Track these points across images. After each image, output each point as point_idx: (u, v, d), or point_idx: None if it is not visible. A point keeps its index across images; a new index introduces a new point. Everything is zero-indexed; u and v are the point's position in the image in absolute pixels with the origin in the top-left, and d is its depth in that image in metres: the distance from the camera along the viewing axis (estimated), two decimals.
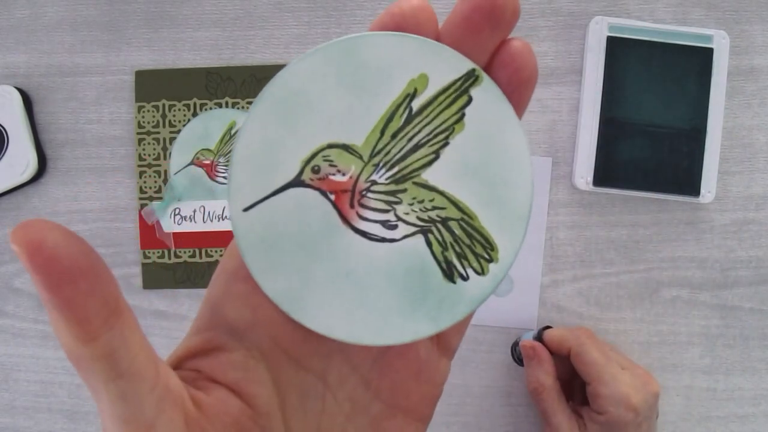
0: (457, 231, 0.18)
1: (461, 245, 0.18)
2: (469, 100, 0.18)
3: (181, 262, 0.53)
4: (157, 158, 0.53)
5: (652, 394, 0.45)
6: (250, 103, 0.52)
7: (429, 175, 0.18)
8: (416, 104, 0.18)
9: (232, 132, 0.53)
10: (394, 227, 0.18)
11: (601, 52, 0.50)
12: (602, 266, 0.52)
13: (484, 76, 0.18)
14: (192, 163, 0.53)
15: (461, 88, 0.18)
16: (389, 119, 0.18)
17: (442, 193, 0.18)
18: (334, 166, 0.18)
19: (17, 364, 0.54)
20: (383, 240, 0.18)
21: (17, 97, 0.51)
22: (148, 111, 0.53)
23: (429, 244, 0.18)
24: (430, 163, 0.18)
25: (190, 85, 0.53)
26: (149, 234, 0.53)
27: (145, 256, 0.53)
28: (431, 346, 0.21)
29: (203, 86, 0.52)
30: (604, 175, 0.50)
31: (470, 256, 0.18)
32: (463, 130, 0.18)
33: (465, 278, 0.18)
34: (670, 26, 0.50)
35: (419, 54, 0.18)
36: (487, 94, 0.18)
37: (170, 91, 0.53)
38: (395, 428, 0.20)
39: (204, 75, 0.52)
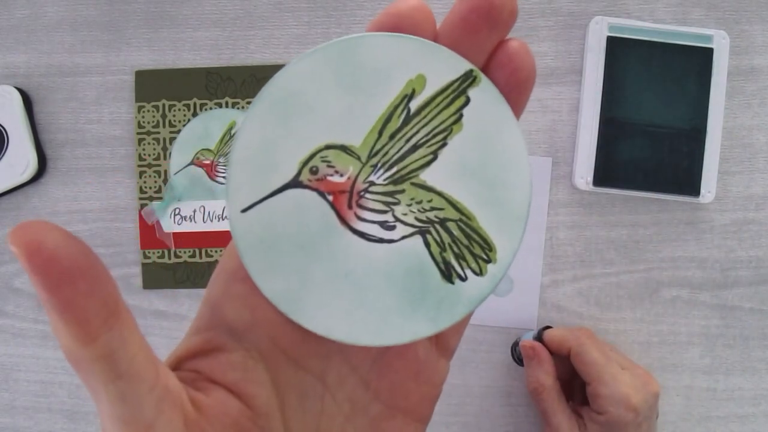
0: (456, 232, 0.18)
1: (459, 246, 0.18)
2: (467, 101, 0.18)
3: (181, 262, 0.53)
4: (157, 158, 0.53)
5: (652, 394, 0.45)
6: (250, 103, 0.52)
7: (427, 176, 0.18)
8: (414, 105, 0.18)
9: (232, 132, 0.53)
10: (393, 228, 0.18)
11: (601, 52, 0.50)
12: (602, 266, 0.52)
13: (482, 76, 0.18)
14: (192, 163, 0.53)
15: (459, 89, 0.18)
16: (387, 120, 0.18)
17: (440, 194, 0.18)
18: (332, 167, 0.18)
19: (17, 364, 0.54)
20: (381, 241, 0.18)
21: (17, 97, 0.51)
22: (148, 111, 0.53)
23: (427, 244, 0.18)
24: (428, 163, 0.18)
25: (190, 85, 0.53)
26: (149, 234, 0.53)
27: (145, 256, 0.53)
28: (430, 347, 0.21)
29: (203, 86, 0.52)
30: (604, 175, 0.50)
31: (468, 257, 0.18)
32: (461, 131, 0.18)
33: (463, 279, 0.18)
34: (670, 26, 0.50)
35: (417, 55, 0.18)
36: (485, 95, 0.18)
37: (170, 91, 0.53)
38: (394, 429, 0.20)
39: (204, 75, 0.52)
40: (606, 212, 0.52)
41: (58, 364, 0.53)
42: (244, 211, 0.18)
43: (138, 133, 0.53)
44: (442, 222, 0.18)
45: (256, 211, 0.18)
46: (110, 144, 0.53)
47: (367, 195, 0.18)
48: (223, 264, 0.19)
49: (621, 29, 0.50)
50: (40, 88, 0.53)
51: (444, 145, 0.18)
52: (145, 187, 0.53)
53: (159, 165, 0.53)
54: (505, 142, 0.18)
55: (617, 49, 0.50)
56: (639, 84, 0.50)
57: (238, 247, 0.18)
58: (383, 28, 0.18)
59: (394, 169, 0.18)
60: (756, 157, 0.51)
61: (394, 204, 0.18)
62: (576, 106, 0.51)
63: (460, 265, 0.18)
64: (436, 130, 0.18)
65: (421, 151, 0.18)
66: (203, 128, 0.53)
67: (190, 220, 0.53)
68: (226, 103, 0.52)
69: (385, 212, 0.18)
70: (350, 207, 0.18)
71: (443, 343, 0.21)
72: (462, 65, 0.18)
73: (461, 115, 0.18)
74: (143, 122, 0.53)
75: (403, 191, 0.18)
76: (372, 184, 0.18)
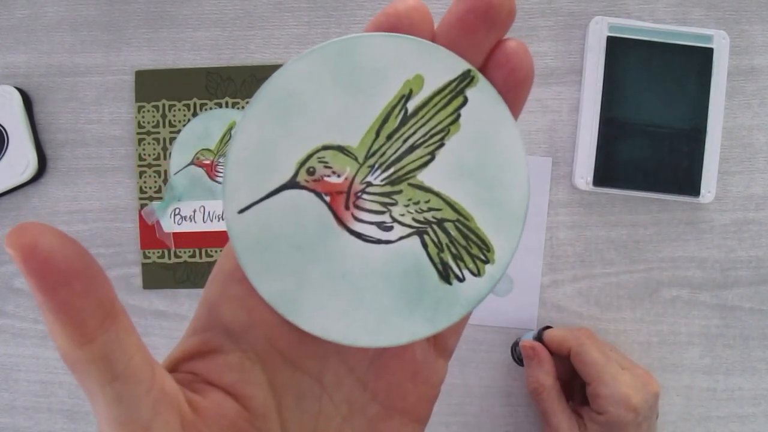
0: (453, 232, 0.18)
1: (457, 246, 0.18)
2: (465, 101, 0.18)
3: (181, 262, 0.53)
4: (157, 158, 0.53)
5: (652, 395, 0.45)
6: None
7: (424, 177, 0.18)
8: (412, 105, 0.18)
9: (232, 132, 0.53)
10: (390, 229, 0.18)
11: (601, 52, 0.50)
12: (602, 266, 0.52)
13: (480, 76, 0.18)
14: (192, 163, 0.53)
15: (457, 89, 0.18)
16: (384, 120, 0.18)
17: (437, 195, 0.18)
18: (330, 167, 0.18)
19: (17, 364, 0.54)
20: (379, 241, 0.18)
21: (17, 97, 0.51)
22: (148, 111, 0.53)
23: (425, 245, 0.18)
24: (425, 164, 0.18)
25: (190, 85, 0.53)
26: (149, 234, 0.53)
27: (145, 256, 0.53)
28: (428, 348, 0.21)
29: (203, 86, 0.52)
30: (604, 175, 0.50)
31: (466, 258, 0.18)
32: (458, 131, 0.18)
33: (461, 279, 0.18)
34: (670, 26, 0.50)
35: (415, 55, 0.18)
36: (482, 95, 0.18)
37: (170, 91, 0.53)
38: (392, 429, 0.20)
39: (204, 75, 0.52)
40: (606, 212, 0.51)
41: (58, 364, 0.53)
42: (241, 212, 0.18)
43: (138, 133, 0.53)
44: (440, 222, 0.18)
45: (253, 212, 0.18)
46: (110, 144, 0.53)
47: (365, 196, 0.18)
48: (220, 265, 0.19)
49: (621, 29, 0.50)
50: (40, 88, 0.53)
51: (441, 145, 0.18)
52: (145, 187, 0.53)
53: (159, 165, 0.53)
54: (502, 142, 0.18)
55: (617, 49, 0.49)
56: (639, 84, 0.49)
57: (234, 248, 0.18)
58: (381, 28, 0.18)
59: (392, 170, 0.18)
60: (756, 157, 0.51)
61: (392, 205, 0.18)
62: (576, 106, 0.51)
63: (458, 265, 0.18)
64: (434, 131, 0.18)
65: (418, 152, 0.18)
66: (203, 128, 0.53)
67: (190, 220, 0.53)
68: (226, 103, 0.52)
69: (382, 213, 0.18)
70: (347, 208, 0.18)
71: (441, 344, 0.21)
72: (460, 65, 0.18)
73: (459, 116, 0.18)
74: (143, 122, 0.53)
75: (400, 192, 0.18)
76: (369, 184, 0.18)
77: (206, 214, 0.53)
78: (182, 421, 0.16)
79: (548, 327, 0.49)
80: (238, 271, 0.19)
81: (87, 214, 0.53)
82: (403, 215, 0.18)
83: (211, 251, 0.53)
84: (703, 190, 0.50)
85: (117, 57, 0.53)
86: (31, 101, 0.53)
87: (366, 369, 0.20)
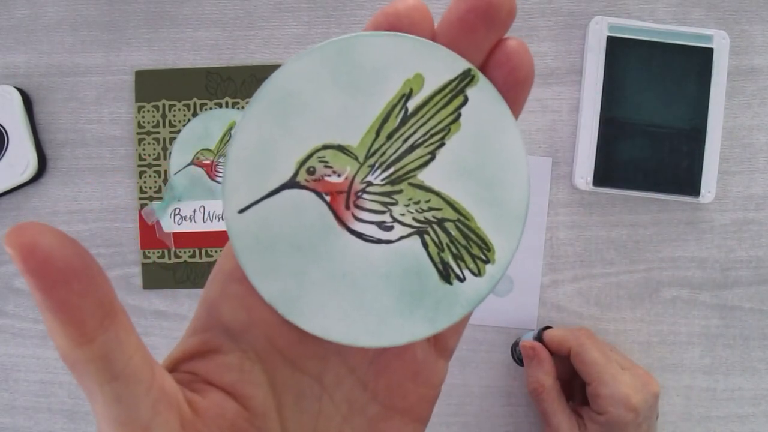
0: (454, 232, 0.18)
1: (457, 246, 0.18)
2: (465, 101, 0.18)
3: (181, 262, 0.53)
4: (157, 158, 0.53)
5: (652, 395, 0.44)
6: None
7: (425, 176, 0.18)
8: (412, 104, 0.18)
9: (232, 132, 0.53)
10: (390, 228, 0.18)
11: (601, 52, 0.50)
12: (602, 266, 0.52)
13: (480, 75, 0.18)
14: (192, 163, 0.53)
15: (457, 88, 0.18)
16: (385, 120, 0.18)
17: (438, 194, 0.18)
18: (330, 167, 0.18)
19: (17, 364, 0.54)
20: (379, 241, 0.18)
21: (17, 97, 0.51)
22: (148, 111, 0.53)
23: (425, 245, 0.18)
24: (425, 163, 0.18)
25: (190, 85, 0.53)
26: (149, 234, 0.53)
27: (145, 256, 0.53)
28: (428, 348, 0.21)
29: (203, 86, 0.52)
30: (604, 175, 0.50)
31: (467, 257, 0.18)
32: (459, 131, 0.18)
33: (461, 279, 0.18)
34: (670, 26, 0.50)
35: (415, 54, 0.18)
36: (483, 94, 0.18)
37: (170, 91, 0.53)
38: (392, 429, 0.20)
39: (204, 75, 0.52)
40: (606, 212, 0.51)
41: (58, 364, 0.53)
42: (241, 211, 0.18)
43: (138, 133, 0.53)
44: (440, 222, 0.18)
45: (252, 211, 0.18)
46: (110, 144, 0.53)
47: (365, 195, 0.18)
48: (220, 265, 0.19)
49: (621, 29, 0.50)
50: (40, 88, 0.53)
51: (442, 144, 0.18)
52: (145, 187, 0.53)
53: (159, 165, 0.53)
54: (503, 141, 0.18)
55: (617, 49, 0.49)
56: (639, 84, 0.49)
57: (234, 247, 0.18)
58: (381, 27, 0.18)
59: (392, 170, 0.18)
60: (756, 157, 0.51)
61: (392, 204, 0.18)
62: (576, 106, 0.51)
63: (458, 265, 0.18)
64: (434, 130, 0.18)
65: (418, 151, 0.18)
66: (203, 128, 0.53)
67: (190, 220, 0.53)
68: (226, 103, 0.52)
69: (382, 213, 0.18)
70: (348, 207, 0.18)
71: (441, 344, 0.21)
72: (460, 64, 0.18)
73: (459, 115, 0.18)
74: (143, 122, 0.53)
75: (400, 191, 0.18)
76: (369, 184, 0.18)
77: (206, 214, 0.53)
78: (182, 421, 0.16)
79: (548, 327, 0.49)
80: (237, 271, 0.19)
81: (87, 214, 0.53)
82: (403, 215, 0.18)
83: (211, 251, 0.53)
84: (703, 190, 0.50)
85: (117, 57, 0.53)
86: (31, 101, 0.53)
87: (366, 369, 0.20)
